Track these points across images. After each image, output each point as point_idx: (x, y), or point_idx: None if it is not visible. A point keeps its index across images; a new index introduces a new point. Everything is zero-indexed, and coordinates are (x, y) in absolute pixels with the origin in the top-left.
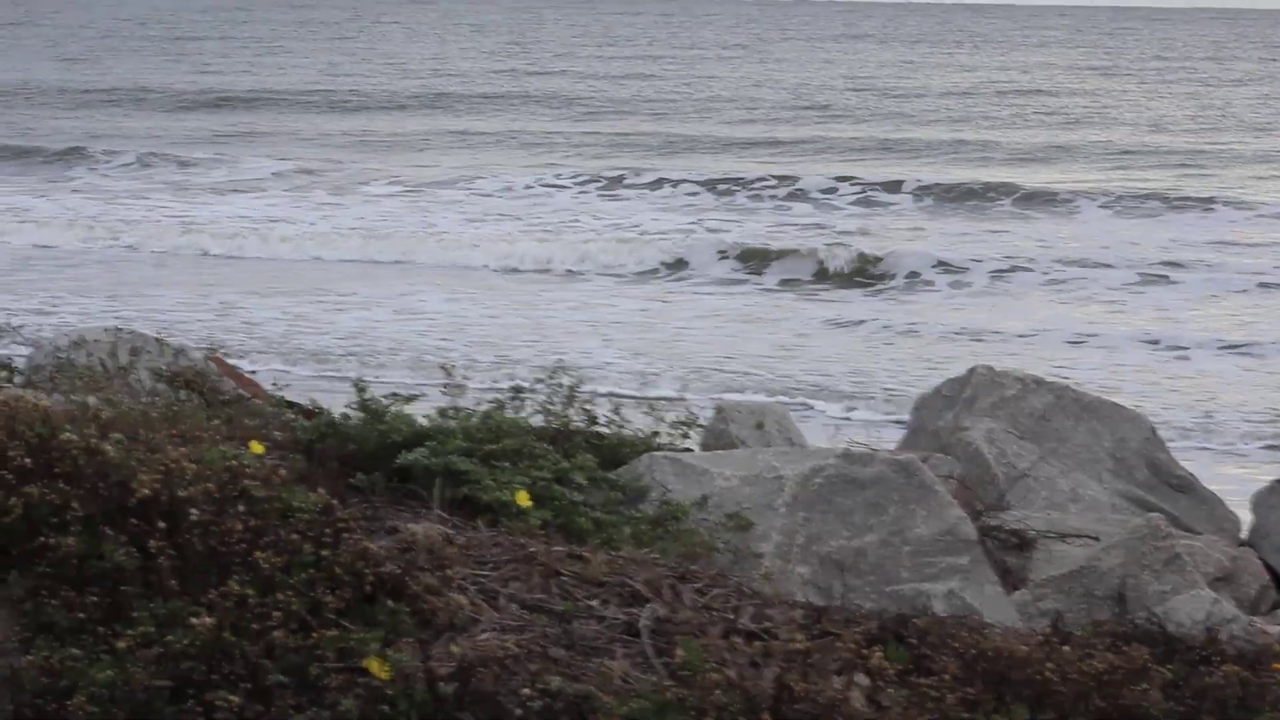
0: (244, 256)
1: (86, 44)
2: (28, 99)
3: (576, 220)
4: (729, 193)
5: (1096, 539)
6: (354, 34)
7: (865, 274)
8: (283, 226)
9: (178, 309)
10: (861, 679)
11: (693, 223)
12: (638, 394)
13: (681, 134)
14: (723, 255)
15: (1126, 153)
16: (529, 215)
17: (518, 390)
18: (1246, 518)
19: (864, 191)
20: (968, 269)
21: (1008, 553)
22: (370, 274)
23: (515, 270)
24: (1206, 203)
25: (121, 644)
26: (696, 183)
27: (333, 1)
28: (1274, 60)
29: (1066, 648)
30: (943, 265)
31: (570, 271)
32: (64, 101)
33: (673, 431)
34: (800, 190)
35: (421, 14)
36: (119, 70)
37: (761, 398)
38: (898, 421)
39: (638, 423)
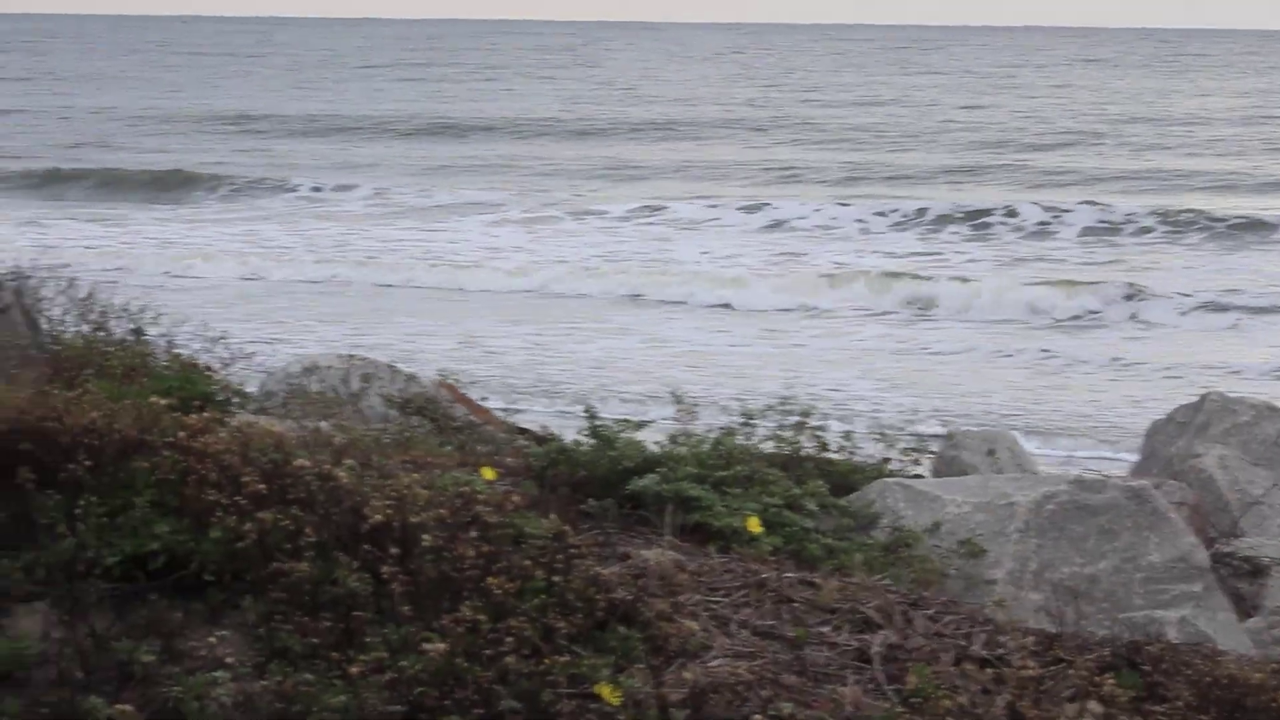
0: (493, 290)
1: (315, 72)
2: (265, 128)
3: (860, 255)
4: (987, 225)
5: None
6: (584, 61)
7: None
8: (526, 256)
9: (428, 340)
10: (1094, 706)
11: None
12: (874, 421)
13: (951, 164)
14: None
15: None
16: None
17: (749, 417)
18: None
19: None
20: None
21: (1241, 580)
22: (627, 307)
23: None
24: None
25: (354, 669)
26: (960, 215)
27: (560, 29)
28: None
29: None
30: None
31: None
32: (301, 129)
33: (904, 458)
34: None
35: (647, 40)
36: (349, 98)
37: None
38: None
39: (869, 449)
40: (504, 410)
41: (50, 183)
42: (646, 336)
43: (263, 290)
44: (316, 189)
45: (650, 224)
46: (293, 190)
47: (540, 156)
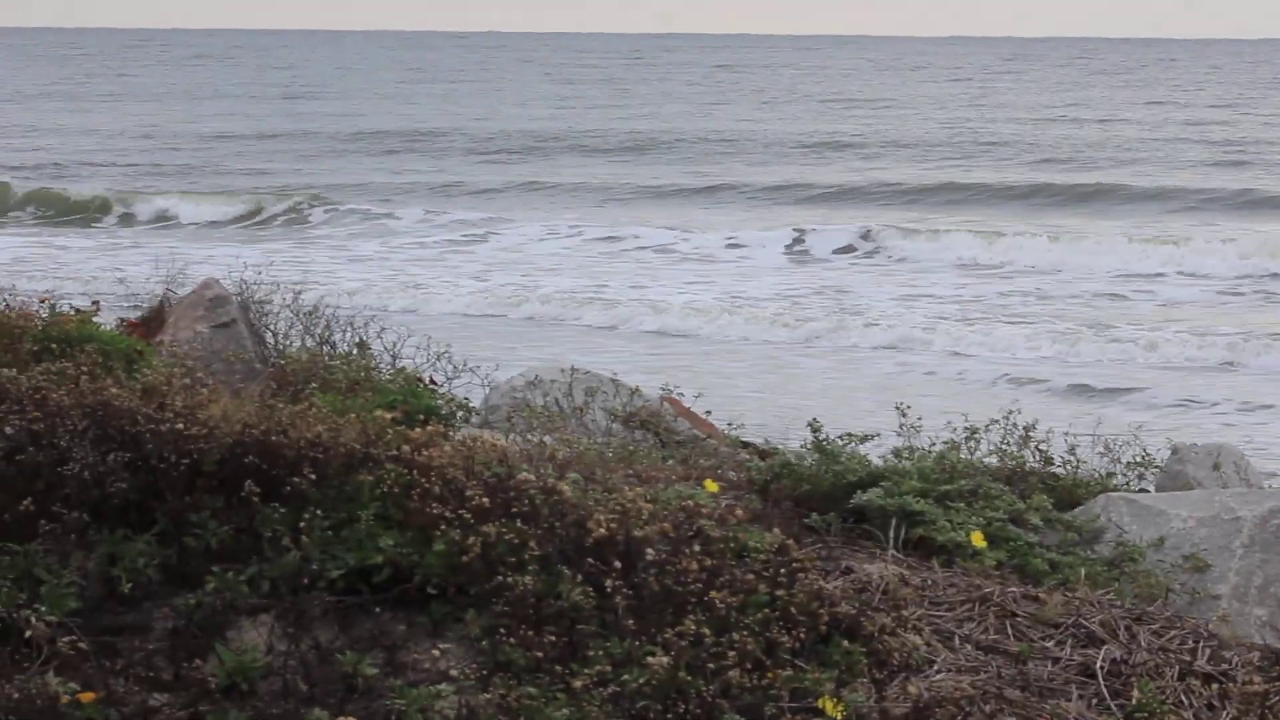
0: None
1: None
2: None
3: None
4: None
5: None
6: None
7: None
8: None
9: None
10: None
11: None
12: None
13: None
14: None
15: None
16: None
17: (972, 431)
18: None
19: None
20: None
21: None
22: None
23: None
24: None
25: (578, 683)
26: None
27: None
28: None
29: None
30: None
31: None
32: (475, 147)
33: (1128, 472)
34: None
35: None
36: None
37: None
38: None
39: (1093, 464)
40: (728, 425)
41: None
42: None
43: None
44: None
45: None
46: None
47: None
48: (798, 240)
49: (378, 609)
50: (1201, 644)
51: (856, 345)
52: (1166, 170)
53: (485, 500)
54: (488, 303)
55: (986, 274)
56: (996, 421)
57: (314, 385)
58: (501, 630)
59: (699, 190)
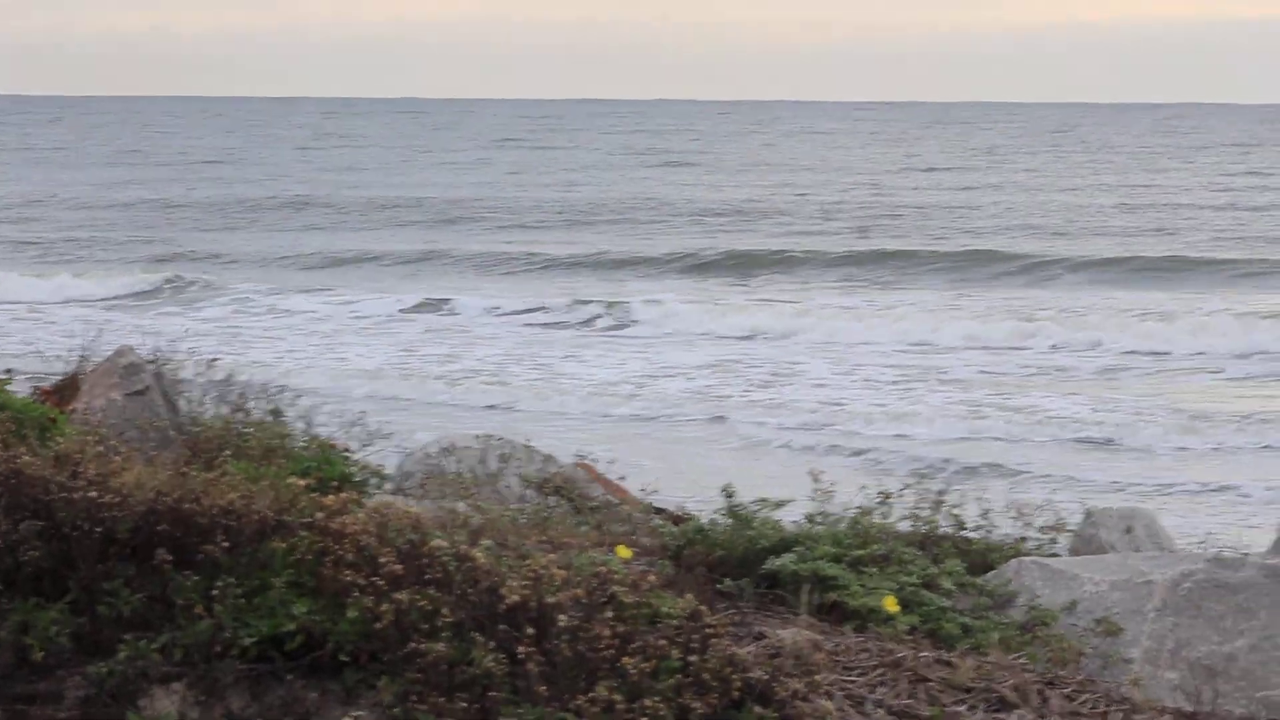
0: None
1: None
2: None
3: None
4: None
5: None
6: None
7: None
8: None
9: None
10: None
11: None
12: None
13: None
14: None
15: None
16: None
17: (885, 496)
18: None
19: None
20: None
21: None
22: None
23: None
24: None
25: None
26: None
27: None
28: None
29: None
30: None
31: None
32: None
33: (1041, 536)
34: None
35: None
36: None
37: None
38: None
39: (1006, 528)
40: (641, 491)
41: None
42: None
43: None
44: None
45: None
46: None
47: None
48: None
49: (290, 676)
50: (1114, 708)
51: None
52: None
53: (398, 567)
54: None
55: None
56: (910, 487)
57: (228, 453)
58: (414, 697)
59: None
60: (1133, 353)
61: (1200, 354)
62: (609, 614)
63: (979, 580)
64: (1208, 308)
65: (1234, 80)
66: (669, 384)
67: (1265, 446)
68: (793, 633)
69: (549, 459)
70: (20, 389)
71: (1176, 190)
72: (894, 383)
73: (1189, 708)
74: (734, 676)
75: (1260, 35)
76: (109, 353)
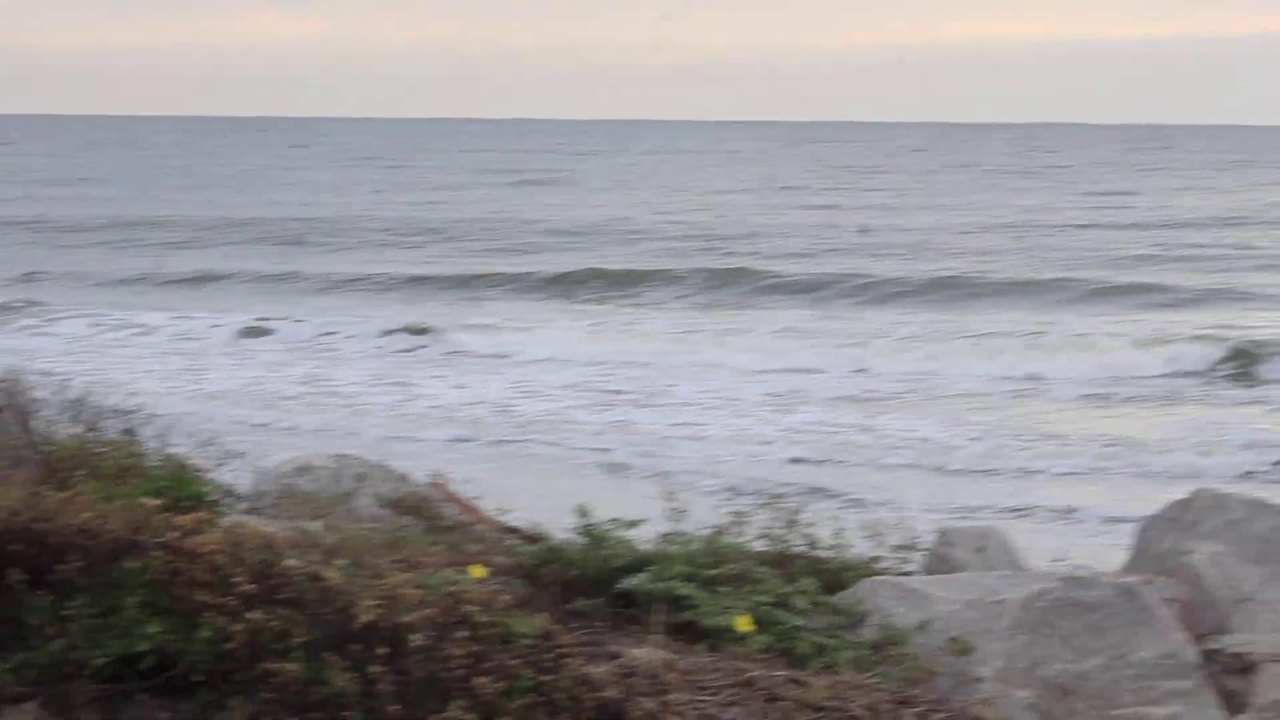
0: None
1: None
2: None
3: None
4: None
5: None
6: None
7: None
8: None
9: None
10: None
11: None
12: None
13: None
14: None
15: None
16: None
17: (739, 515)
18: None
19: None
20: None
21: (1231, 677)
22: None
23: None
24: None
25: None
26: None
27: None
28: None
29: None
30: None
31: None
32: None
33: (895, 555)
34: None
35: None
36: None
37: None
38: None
39: (860, 546)
40: (496, 510)
41: None
42: None
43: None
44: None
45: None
46: None
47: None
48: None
49: (143, 696)
50: None
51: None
52: None
53: (251, 587)
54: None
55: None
56: (764, 506)
57: (82, 472)
58: (267, 717)
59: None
60: (984, 376)
61: (1043, 377)
62: (462, 634)
63: (832, 599)
64: (1060, 329)
65: (1091, 100)
66: (527, 405)
67: (1113, 469)
68: (646, 652)
69: (404, 478)
70: None
71: (1026, 210)
72: (760, 404)
73: None
74: (587, 696)
75: (1118, 56)
76: None
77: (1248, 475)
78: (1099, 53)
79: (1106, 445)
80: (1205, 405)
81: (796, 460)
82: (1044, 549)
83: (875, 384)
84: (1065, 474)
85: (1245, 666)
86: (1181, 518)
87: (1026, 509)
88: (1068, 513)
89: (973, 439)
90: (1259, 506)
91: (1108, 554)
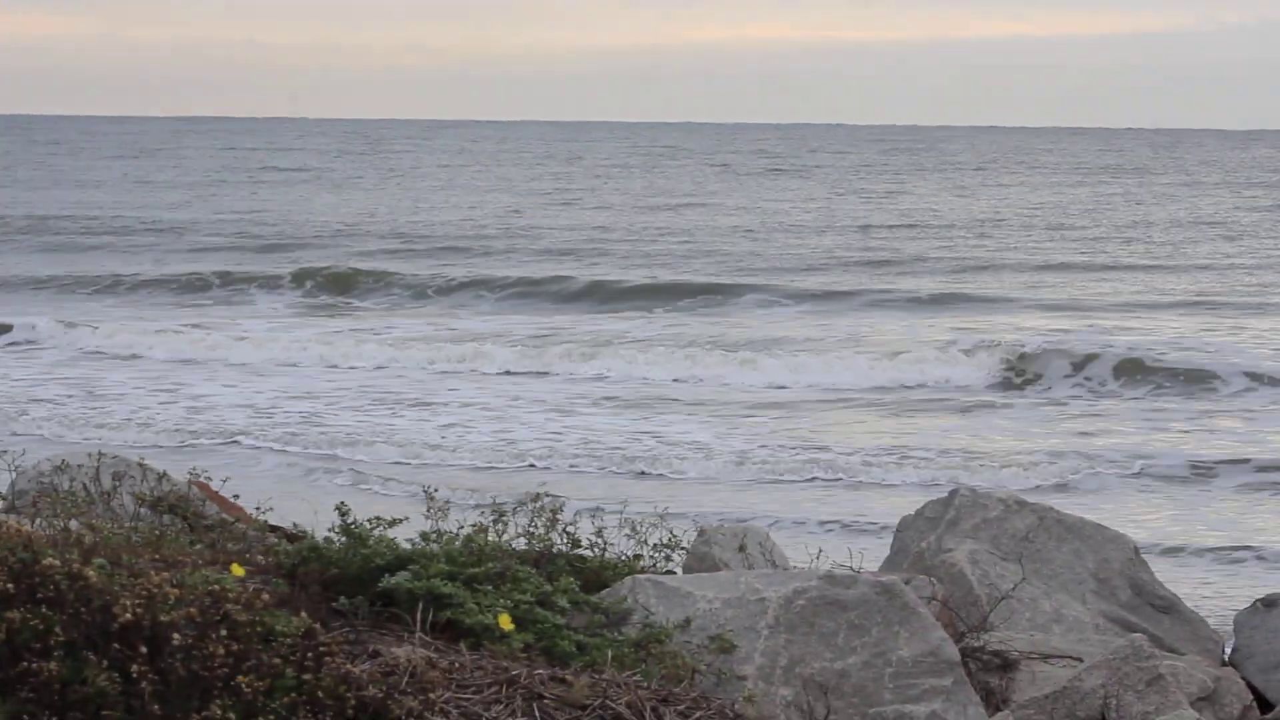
0: None
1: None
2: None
3: None
4: None
5: (1079, 660)
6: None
7: None
8: None
9: None
10: None
11: None
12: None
13: None
14: None
15: None
16: None
17: (500, 513)
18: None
19: None
20: None
21: (990, 674)
22: None
23: None
24: None
25: None
26: None
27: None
28: None
29: None
30: None
31: None
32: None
33: (656, 554)
34: None
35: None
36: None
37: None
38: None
39: (621, 545)
40: (256, 509)
41: None
42: None
43: None
44: None
45: None
46: None
47: None
48: None
49: None
50: None
51: None
52: None
53: (9, 586)
54: None
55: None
56: (525, 504)
57: None
58: (26, 717)
59: None
60: (750, 385)
61: (818, 385)
62: (223, 632)
63: (594, 598)
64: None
65: (845, 102)
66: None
67: (883, 478)
68: (407, 651)
69: (164, 477)
70: None
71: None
72: (510, 405)
73: None
74: (349, 695)
75: (866, 55)
76: None
77: (1022, 483)
78: (856, 54)
79: (873, 454)
80: (974, 413)
81: (531, 466)
82: (806, 551)
83: (616, 390)
84: (831, 480)
85: (1005, 664)
86: (941, 516)
87: (793, 515)
88: (830, 521)
89: (741, 446)
90: (1017, 505)
91: (869, 556)
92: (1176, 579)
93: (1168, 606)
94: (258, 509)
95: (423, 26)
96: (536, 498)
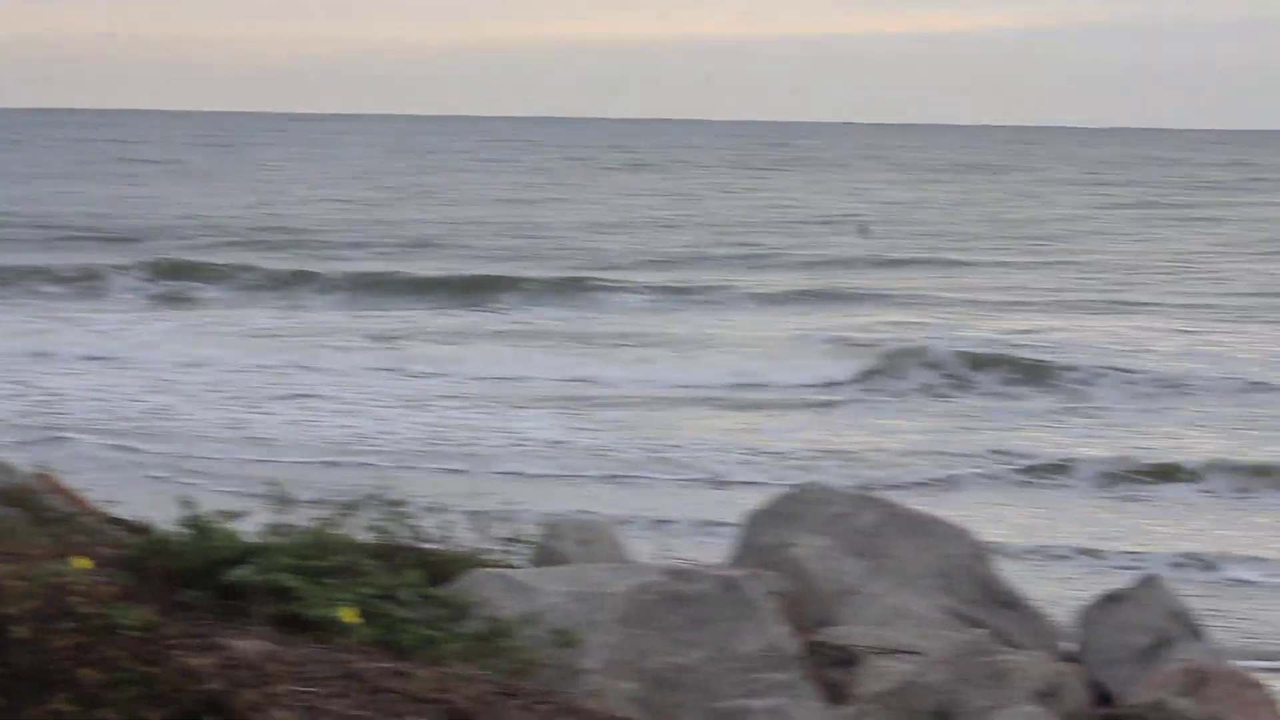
0: None
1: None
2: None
3: None
4: None
5: (921, 654)
6: None
7: None
8: None
9: None
10: None
11: None
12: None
13: None
14: None
15: None
16: None
17: (347, 507)
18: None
19: None
20: None
21: (834, 669)
22: None
23: None
24: None
25: None
26: None
27: None
28: None
29: None
30: None
31: None
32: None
33: (501, 547)
34: None
35: None
36: None
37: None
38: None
39: (467, 539)
40: (104, 501)
41: None
42: None
43: None
44: None
45: None
46: None
47: None
48: None
49: None
50: (571, 719)
51: None
52: None
53: None
54: None
55: None
56: (373, 497)
57: None
58: None
59: None
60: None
61: (682, 384)
62: (66, 625)
63: (439, 592)
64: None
65: (703, 98)
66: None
67: (735, 475)
68: (250, 644)
69: (7, 468)
70: None
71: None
72: (359, 398)
73: (646, 718)
74: (191, 688)
75: (726, 52)
76: None
77: (873, 483)
78: (717, 50)
79: (725, 451)
80: (829, 410)
81: (378, 460)
82: (650, 547)
83: (467, 385)
84: (682, 478)
85: (847, 659)
86: (786, 511)
87: (643, 512)
88: (680, 518)
89: (592, 443)
90: (863, 500)
91: (718, 552)
92: (1028, 576)
93: (1011, 602)
94: (104, 503)
95: (287, 21)
96: (384, 491)
